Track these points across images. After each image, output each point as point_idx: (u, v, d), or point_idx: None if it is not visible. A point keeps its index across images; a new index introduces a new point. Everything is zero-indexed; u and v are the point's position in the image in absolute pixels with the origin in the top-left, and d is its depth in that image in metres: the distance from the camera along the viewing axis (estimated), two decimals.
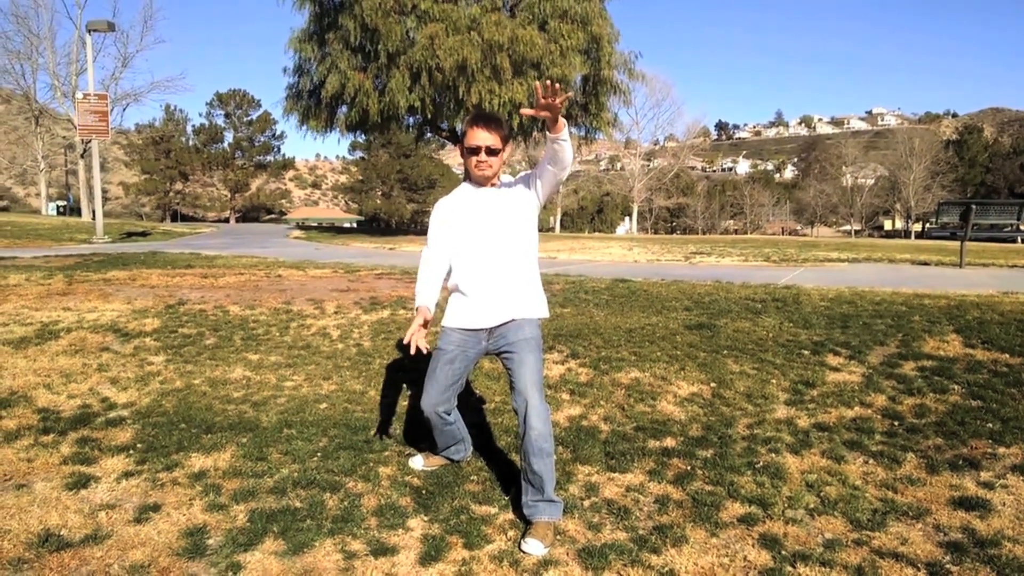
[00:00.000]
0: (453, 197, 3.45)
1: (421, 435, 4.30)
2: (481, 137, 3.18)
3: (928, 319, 6.90)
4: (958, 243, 15.60)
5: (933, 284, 9.96)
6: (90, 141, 28.11)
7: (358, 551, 2.98)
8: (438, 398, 3.45)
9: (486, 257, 3.28)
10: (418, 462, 3.89)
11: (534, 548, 2.98)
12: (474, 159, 3.22)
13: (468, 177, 3.42)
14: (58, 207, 54.75)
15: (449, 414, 3.57)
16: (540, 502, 3.16)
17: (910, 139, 70.28)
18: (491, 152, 3.20)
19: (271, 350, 6.24)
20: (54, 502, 3.38)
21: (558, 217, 65.82)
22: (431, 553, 2.96)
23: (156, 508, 3.33)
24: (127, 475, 3.71)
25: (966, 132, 78.31)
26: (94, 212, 23.99)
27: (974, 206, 14.48)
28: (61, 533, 3.07)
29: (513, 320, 3.28)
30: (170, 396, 5.05)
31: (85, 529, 3.11)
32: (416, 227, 61.75)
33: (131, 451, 4.03)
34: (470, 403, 4.91)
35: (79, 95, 22.38)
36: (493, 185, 3.34)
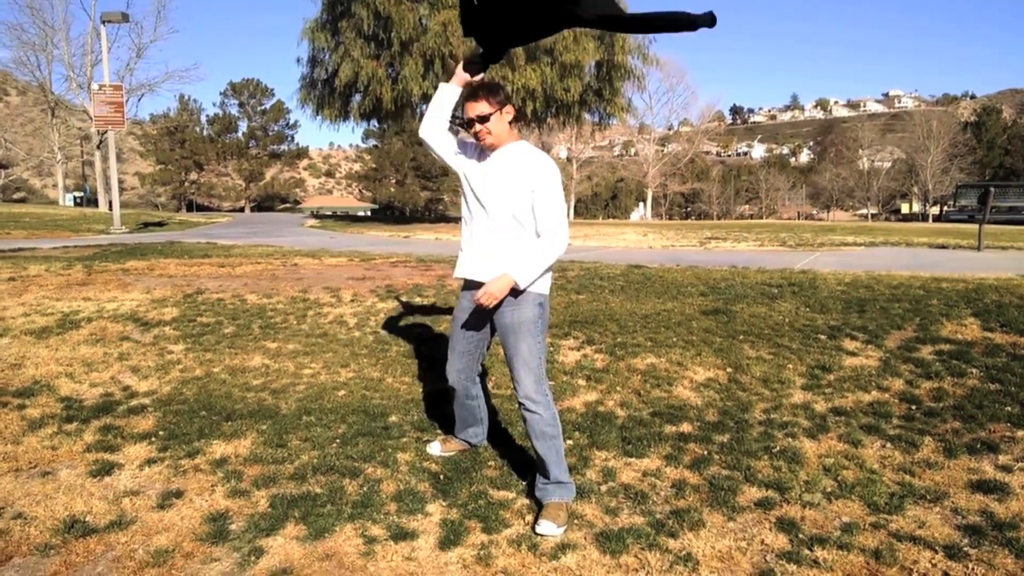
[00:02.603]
0: (473, 146, 3.39)
1: (439, 421, 4.34)
2: (470, 108, 3.18)
3: (946, 303, 6.87)
4: (976, 226, 15.45)
5: (951, 267, 9.89)
6: (106, 132, 28.30)
7: (378, 536, 3.01)
8: (460, 363, 3.51)
9: (489, 217, 3.23)
10: (436, 448, 3.89)
11: (547, 529, 3.00)
12: (472, 132, 3.23)
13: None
14: (75, 198, 55.12)
15: (474, 386, 3.62)
16: (549, 485, 3.19)
17: (927, 121, 69.43)
18: (483, 119, 3.16)
19: (289, 338, 6.29)
20: (79, 489, 3.43)
21: (572, 203, 65.66)
22: (450, 537, 2.99)
23: (179, 494, 3.38)
24: (150, 462, 3.76)
25: (984, 114, 77.19)
26: (111, 202, 24.20)
27: (992, 188, 14.38)
28: (86, 519, 3.12)
29: (508, 297, 3.15)
30: (190, 384, 5.10)
31: (110, 515, 3.16)
32: (430, 215, 61.82)
33: (153, 438, 4.08)
34: (484, 389, 4.94)
35: (94, 86, 22.55)
36: (502, 148, 3.25)
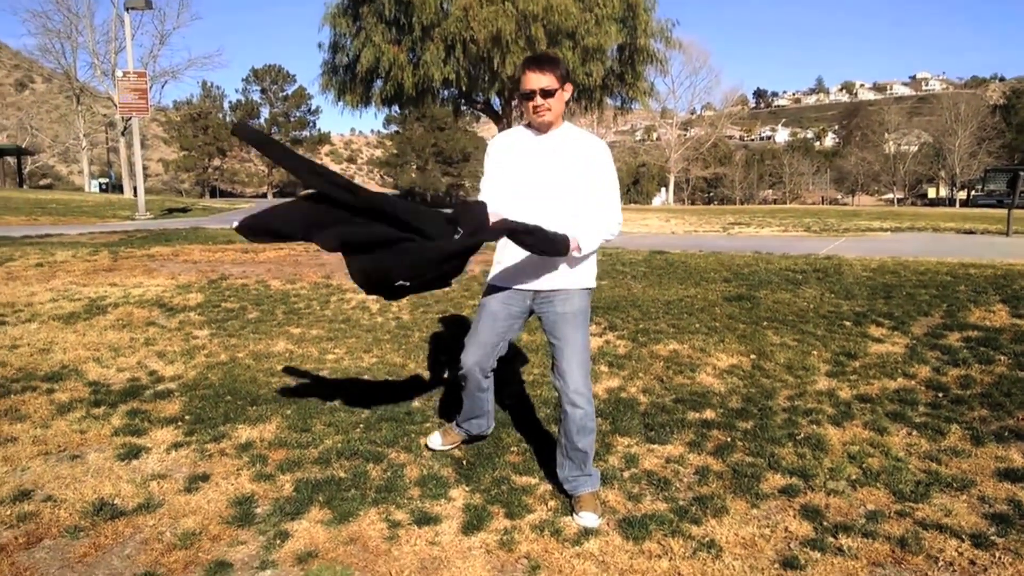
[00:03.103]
0: (511, 137, 3.18)
1: (461, 408, 4.34)
2: (534, 80, 2.92)
3: (974, 289, 6.78)
4: (1005, 211, 15.23)
5: (979, 253, 9.76)
6: (130, 119, 28.51)
7: (402, 520, 3.03)
8: (480, 354, 3.26)
9: (541, 210, 2.95)
10: (436, 440, 3.71)
11: (590, 520, 2.99)
12: (530, 104, 2.97)
13: (528, 123, 3.13)
14: (100, 184, 55.63)
15: (486, 379, 3.37)
16: (582, 476, 3.16)
17: (955, 104, 68.37)
18: (546, 94, 2.93)
19: (312, 324, 6.32)
20: (107, 472, 3.48)
21: None
22: (473, 522, 3.01)
23: (205, 478, 3.42)
24: (176, 446, 3.80)
25: (1014, 96, 75.86)
26: (136, 189, 24.41)
27: (1022, 173, 14.12)
28: (115, 502, 3.17)
29: (563, 289, 3.09)
30: (215, 369, 5.15)
31: (138, 498, 3.21)
32: (451, 201, 61.80)
33: (179, 423, 4.13)
34: (507, 375, 4.95)
35: (119, 73, 22.71)
36: (554, 129, 3.06)
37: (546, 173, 3.03)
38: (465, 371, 3.33)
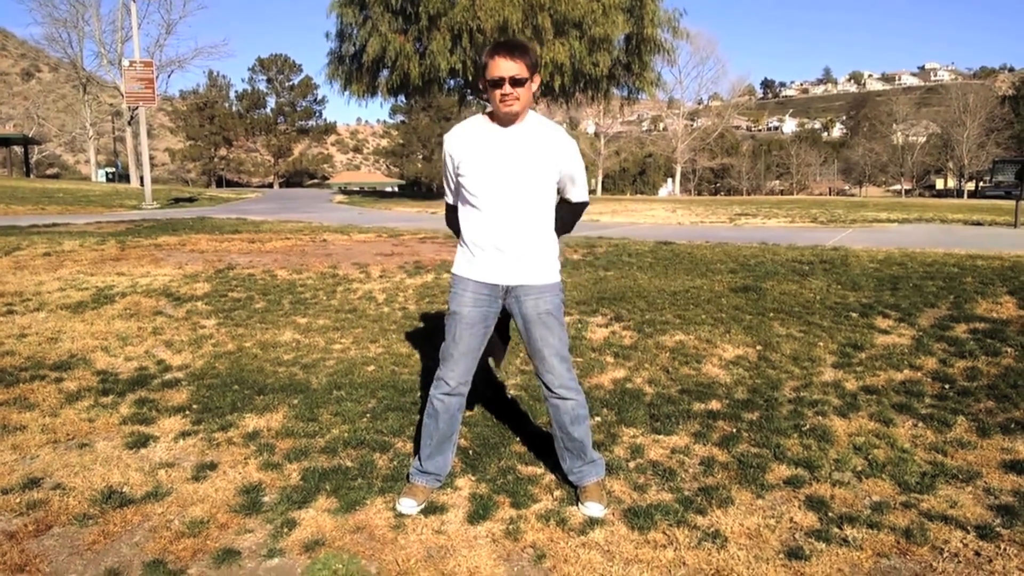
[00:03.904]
0: (469, 130, 2.97)
1: (469, 399, 4.35)
2: (504, 67, 2.75)
3: (981, 280, 6.76)
4: (1013, 202, 15.16)
5: (987, 245, 9.73)
6: (137, 108, 28.58)
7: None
8: (463, 367, 3.07)
9: (510, 204, 2.88)
10: (410, 506, 3.06)
11: (595, 510, 3.01)
12: (498, 92, 2.78)
13: (491, 113, 2.96)
14: (107, 174, 55.78)
15: (465, 395, 3.16)
16: (585, 465, 3.16)
17: (964, 95, 67.95)
18: (516, 83, 2.76)
19: (319, 313, 6.34)
20: (115, 460, 3.50)
21: (599, 179, 65.23)
22: (479, 512, 3.02)
23: (213, 467, 3.44)
24: (184, 435, 3.82)
25: (1023, 87, 75.45)
26: (142, 178, 24.47)
27: None
28: (123, 490, 3.19)
29: (534, 285, 2.98)
30: (223, 358, 5.17)
31: (146, 486, 3.23)
32: None
33: (187, 412, 4.15)
34: (509, 368, 4.95)
35: (125, 62, 22.75)
36: (519, 122, 2.90)
37: (520, 167, 2.87)
38: (449, 390, 3.09)
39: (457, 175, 2.98)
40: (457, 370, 3.08)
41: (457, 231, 3.08)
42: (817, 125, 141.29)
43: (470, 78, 26.19)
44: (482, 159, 2.89)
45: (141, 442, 3.71)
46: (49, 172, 70.31)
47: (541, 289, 2.99)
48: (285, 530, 2.86)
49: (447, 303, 3.12)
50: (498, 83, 2.78)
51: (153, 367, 4.99)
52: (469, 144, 2.93)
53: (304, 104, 79.29)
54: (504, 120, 2.88)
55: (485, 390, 4.32)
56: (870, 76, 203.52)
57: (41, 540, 2.78)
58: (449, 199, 3.16)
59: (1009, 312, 5.79)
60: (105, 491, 3.15)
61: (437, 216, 18.62)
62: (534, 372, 3.19)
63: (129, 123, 40.49)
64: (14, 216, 16.90)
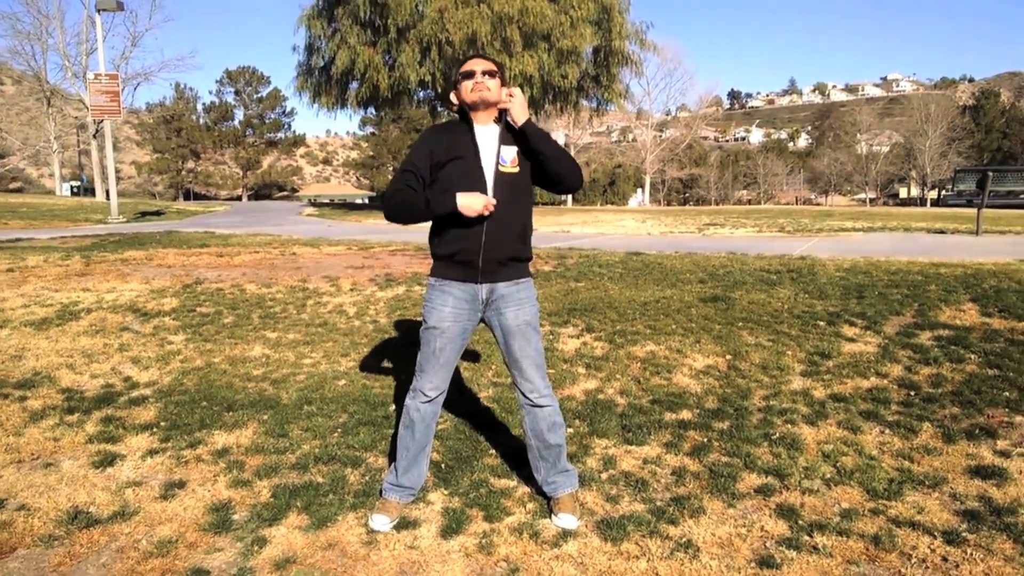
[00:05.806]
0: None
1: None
2: (478, 63, 2.91)
3: (944, 288, 6.88)
4: (975, 210, 15.46)
5: (949, 253, 9.90)
6: (102, 121, 28.23)
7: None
8: (441, 377, 3.08)
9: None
10: (383, 522, 3.03)
11: (568, 522, 3.01)
12: (470, 82, 2.89)
13: (463, 118, 3.00)
14: (72, 187, 54.96)
15: (441, 404, 3.18)
16: (559, 475, 3.16)
17: (926, 105, 69.24)
18: (487, 74, 2.89)
19: (289, 328, 6.29)
20: (81, 480, 3.44)
21: None
22: (452, 526, 3.01)
23: (181, 485, 3.40)
24: (152, 453, 3.77)
25: (983, 97, 76.89)
26: (108, 192, 24.15)
27: (991, 173, 14.41)
28: (90, 510, 3.14)
29: (515, 289, 3.00)
30: (191, 374, 5.11)
31: (113, 506, 3.18)
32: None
33: (155, 429, 4.09)
34: (482, 379, 4.95)
35: (90, 75, 22.47)
36: (492, 123, 2.96)
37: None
38: (426, 400, 3.10)
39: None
40: (435, 380, 3.09)
41: (404, 214, 2.94)
42: (783, 135, 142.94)
43: (439, 90, 26.21)
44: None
45: (108, 461, 3.65)
46: (12, 186, 69.07)
47: (525, 299, 3.03)
48: (255, 548, 2.83)
49: (422, 315, 3.11)
50: (470, 75, 2.90)
51: (120, 384, 4.91)
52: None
53: (273, 116, 78.93)
54: (477, 108, 2.93)
55: (457, 402, 4.31)
56: (834, 87, 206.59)
57: (5, 563, 2.72)
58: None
59: (972, 319, 5.89)
60: (71, 511, 3.10)
61: (408, 228, 18.55)
62: (511, 382, 3.20)
63: (94, 136, 39.95)
64: None
